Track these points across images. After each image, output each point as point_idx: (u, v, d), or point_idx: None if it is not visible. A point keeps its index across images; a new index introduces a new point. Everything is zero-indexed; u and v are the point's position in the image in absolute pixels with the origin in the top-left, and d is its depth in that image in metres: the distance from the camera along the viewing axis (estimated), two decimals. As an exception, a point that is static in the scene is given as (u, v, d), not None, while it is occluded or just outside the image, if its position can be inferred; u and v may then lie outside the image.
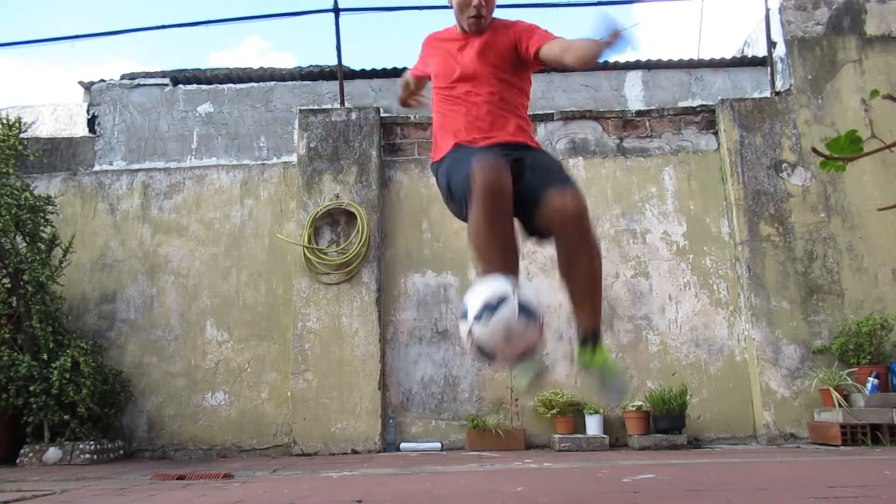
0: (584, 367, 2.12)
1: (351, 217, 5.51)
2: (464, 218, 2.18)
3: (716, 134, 5.78)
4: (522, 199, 2.09)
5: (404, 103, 2.84)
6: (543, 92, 6.02)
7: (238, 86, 6.18)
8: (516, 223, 2.17)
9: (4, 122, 5.76)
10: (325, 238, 5.51)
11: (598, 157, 5.76)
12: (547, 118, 5.84)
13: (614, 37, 1.89)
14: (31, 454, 4.66)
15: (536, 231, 2.18)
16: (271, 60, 21.59)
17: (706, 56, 6.44)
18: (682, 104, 5.98)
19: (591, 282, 2.09)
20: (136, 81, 6.22)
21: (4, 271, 5.01)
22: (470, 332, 1.83)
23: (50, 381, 4.68)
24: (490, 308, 1.80)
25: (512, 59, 2.33)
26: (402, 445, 5.14)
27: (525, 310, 1.80)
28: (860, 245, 5.33)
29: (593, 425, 4.98)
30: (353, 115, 5.75)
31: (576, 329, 2.17)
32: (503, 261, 2.02)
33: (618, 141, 5.82)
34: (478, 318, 1.80)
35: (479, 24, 2.31)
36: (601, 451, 4.69)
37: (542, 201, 2.06)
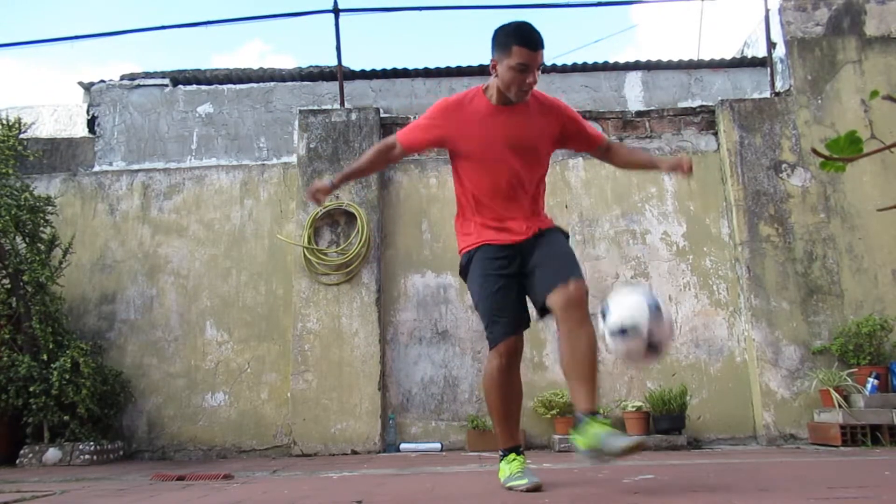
0: (580, 444, 2.20)
1: (351, 217, 5.51)
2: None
3: (715, 134, 5.78)
4: (532, 287, 2.45)
5: (313, 197, 2.54)
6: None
7: (238, 86, 6.18)
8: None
9: (4, 122, 5.76)
10: (325, 239, 5.51)
11: (598, 158, 5.75)
12: (547, 119, 5.84)
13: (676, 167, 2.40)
14: (30, 455, 4.66)
15: (545, 311, 2.46)
16: (272, 63, 21.58)
17: (706, 56, 6.46)
18: (681, 105, 5.98)
19: (588, 365, 2.31)
20: (136, 82, 6.22)
21: (4, 272, 5.01)
22: (615, 341, 2.25)
23: (50, 382, 4.68)
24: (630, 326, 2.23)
25: (549, 143, 2.57)
26: (402, 446, 5.14)
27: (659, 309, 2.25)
28: (860, 246, 5.33)
29: (593, 426, 4.97)
30: (353, 116, 5.75)
31: (574, 410, 2.34)
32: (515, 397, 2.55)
33: (618, 141, 5.81)
34: (621, 332, 2.23)
35: (525, 96, 2.46)
36: (601, 452, 4.68)
37: (549, 293, 2.37)
